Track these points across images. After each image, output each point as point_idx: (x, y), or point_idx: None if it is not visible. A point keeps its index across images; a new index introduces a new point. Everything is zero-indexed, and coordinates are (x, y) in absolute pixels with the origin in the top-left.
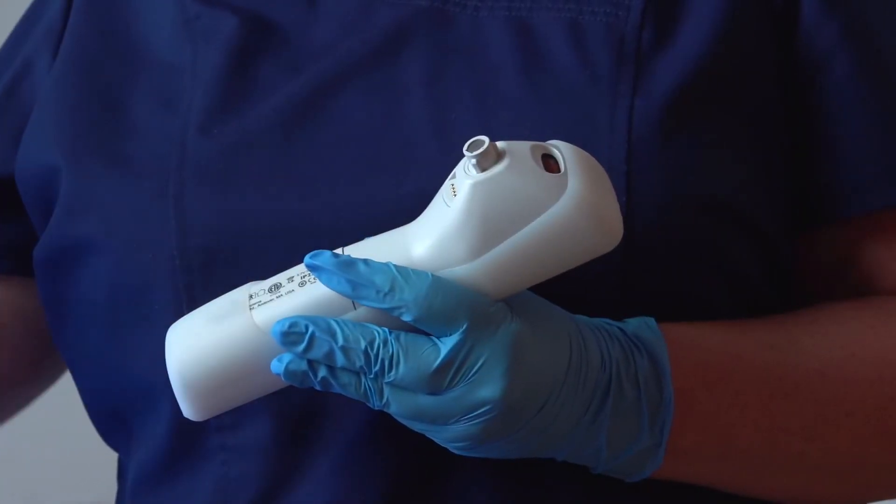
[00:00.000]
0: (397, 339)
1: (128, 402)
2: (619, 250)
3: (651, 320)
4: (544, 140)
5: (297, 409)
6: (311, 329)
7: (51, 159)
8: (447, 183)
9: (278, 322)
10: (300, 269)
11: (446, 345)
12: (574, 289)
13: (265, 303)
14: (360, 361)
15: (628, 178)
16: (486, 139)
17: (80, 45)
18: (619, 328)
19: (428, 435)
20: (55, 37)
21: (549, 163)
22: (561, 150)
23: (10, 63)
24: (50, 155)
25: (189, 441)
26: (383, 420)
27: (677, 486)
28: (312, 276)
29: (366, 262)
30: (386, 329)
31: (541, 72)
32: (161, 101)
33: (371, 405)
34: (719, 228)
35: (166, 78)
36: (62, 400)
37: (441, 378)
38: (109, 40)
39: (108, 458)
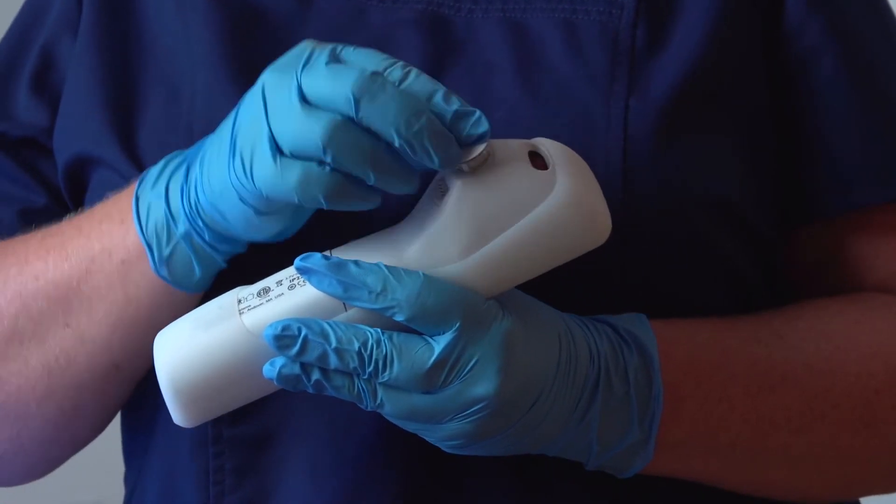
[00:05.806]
0: (390, 339)
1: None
2: (615, 248)
3: (642, 316)
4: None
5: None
6: (303, 332)
7: (79, 149)
8: (435, 182)
9: (270, 325)
10: (289, 272)
11: (440, 343)
12: (571, 287)
13: (255, 307)
14: (353, 363)
15: (625, 176)
16: None
17: (96, 33)
18: (608, 324)
19: (421, 434)
20: (73, 22)
21: (537, 160)
22: (547, 147)
23: (26, 50)
24: (78, 146)
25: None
26: (390, 422)
27: (689, 485)
28: (302, 279)
29: (357, 262)
30: (378, 329)
31: (536, 72)
32: (166, 87)
33: (364, 406)
34: (715, 226)
35: (167, 63)
36: None
37: (435, 377)
38: (121, 28)
39: (109, 458)
